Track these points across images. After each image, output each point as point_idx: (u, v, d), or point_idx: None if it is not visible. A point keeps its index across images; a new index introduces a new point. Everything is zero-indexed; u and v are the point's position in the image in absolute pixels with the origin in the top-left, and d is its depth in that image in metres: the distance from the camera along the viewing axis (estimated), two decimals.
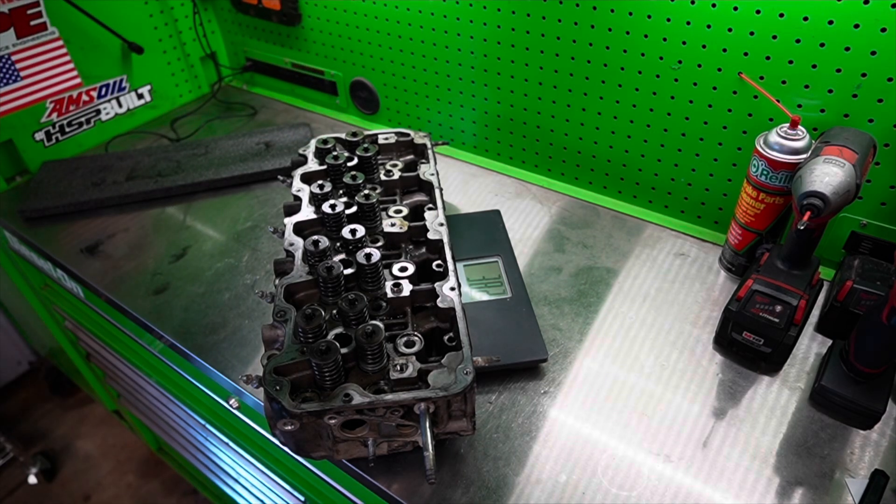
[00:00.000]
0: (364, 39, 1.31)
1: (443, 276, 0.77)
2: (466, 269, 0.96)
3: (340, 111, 1.50)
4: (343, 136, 1.01)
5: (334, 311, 0.73)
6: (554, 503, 0.69)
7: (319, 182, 0.89)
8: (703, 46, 0.90)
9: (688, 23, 0.89)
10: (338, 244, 0.83)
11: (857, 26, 0.77)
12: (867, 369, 0.74)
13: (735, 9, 0.84)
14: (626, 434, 0.76)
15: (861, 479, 0.69)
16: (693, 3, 0.87)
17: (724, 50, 0.88)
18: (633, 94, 1.01)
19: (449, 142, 1.23)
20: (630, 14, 0.94)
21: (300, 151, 1.00)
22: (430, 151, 1.00)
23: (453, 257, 0.80)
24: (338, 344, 0.65)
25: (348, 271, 0.77)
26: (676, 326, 0.89)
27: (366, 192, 0.86)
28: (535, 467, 0.73)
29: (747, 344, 0.80)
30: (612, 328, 0.89)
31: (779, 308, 0.77)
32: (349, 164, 0.94)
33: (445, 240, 0.82)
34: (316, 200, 0.88)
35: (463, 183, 1.22)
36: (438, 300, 0.73)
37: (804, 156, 0.79)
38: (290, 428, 0.62)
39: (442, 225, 0.84)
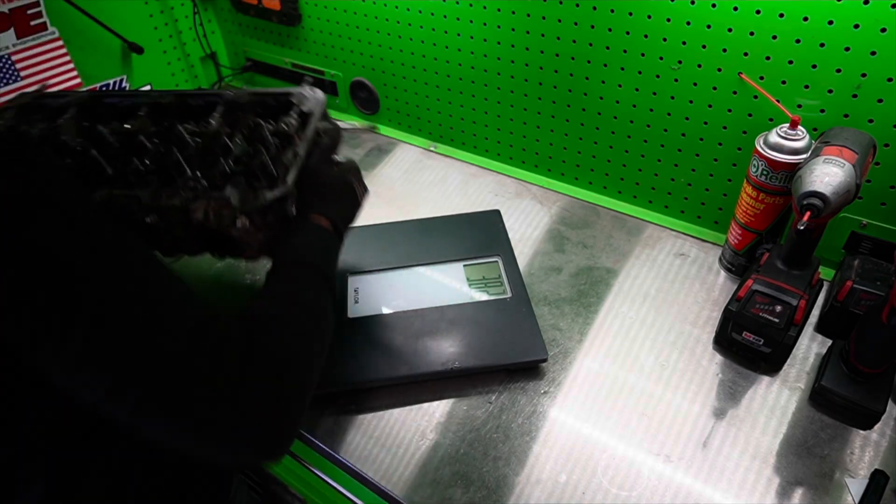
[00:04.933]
0: (364, 39, 1.31)
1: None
2: (466, 269, 0.96)
3: (340, 111, 1.50)
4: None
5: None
6: (554, 503, 0.69)
7: None
8: (703, 46, 0.90)
9: (688, 23, 0.89)
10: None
11: (857, 26, 0.77)
12: (867, 369, 0.74)
13: (735, 9, 0.84)
14: (626, 434, 0.76)
15: (861, 479, 0.69)
16: (693, 3, 0.87)
17: (724, 50, 0.88)
18: (633, 94, 1.01)
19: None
20: (630, 14, 0.94)
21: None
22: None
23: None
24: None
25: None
26: (676, 326, 0.89)
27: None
28: (535, 467, 0.73)
29: (747, 344, 0.80)
30: (612, 328, 0.89)
31: (779, 308, 0.77)
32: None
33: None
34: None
35: (463, 183, 1.22)
36: None
37: (804, 156, 0.79)
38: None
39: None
